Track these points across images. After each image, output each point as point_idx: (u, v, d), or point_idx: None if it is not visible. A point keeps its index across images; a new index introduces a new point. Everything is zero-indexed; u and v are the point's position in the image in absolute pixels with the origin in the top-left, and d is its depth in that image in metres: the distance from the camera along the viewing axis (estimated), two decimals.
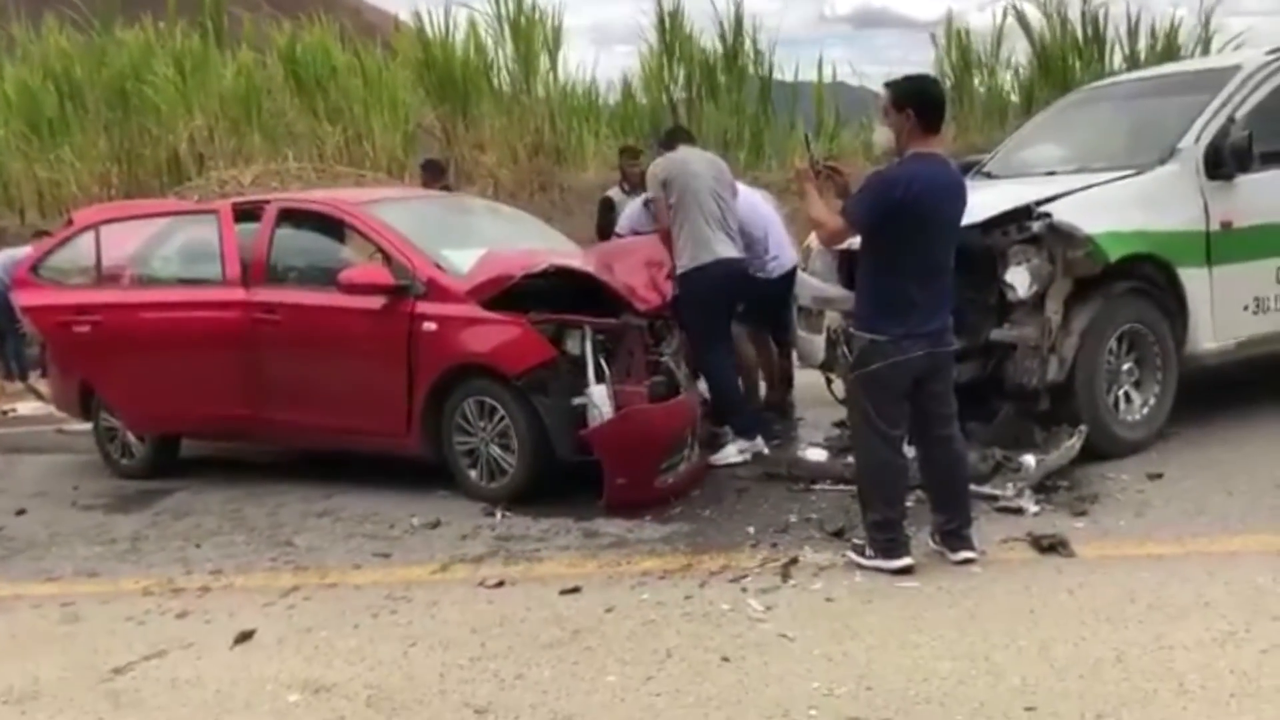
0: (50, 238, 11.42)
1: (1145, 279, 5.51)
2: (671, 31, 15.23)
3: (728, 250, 6.25)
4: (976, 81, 15.05)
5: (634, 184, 8.15)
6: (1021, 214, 5.35)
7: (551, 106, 14.80)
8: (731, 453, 6.20)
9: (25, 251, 11.41)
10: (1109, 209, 5.40)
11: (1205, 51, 13.86)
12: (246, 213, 6.61)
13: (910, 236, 4.00)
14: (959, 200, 4.14)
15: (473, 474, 5.78)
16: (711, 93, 15.15)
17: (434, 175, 9.60)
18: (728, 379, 6.42)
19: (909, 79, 4.19)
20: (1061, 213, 5.26)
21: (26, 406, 10.26)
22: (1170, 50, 13.94)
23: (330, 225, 6.59)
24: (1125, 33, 14.35)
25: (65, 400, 7.29)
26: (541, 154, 14.04)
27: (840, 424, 6.62)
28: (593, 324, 5.60)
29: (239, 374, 6.28)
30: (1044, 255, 5.30)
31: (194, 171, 14.66)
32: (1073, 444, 5.13)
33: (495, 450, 5.68)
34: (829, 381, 6.60)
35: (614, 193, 8.38)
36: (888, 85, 4.21)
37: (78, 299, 6.68)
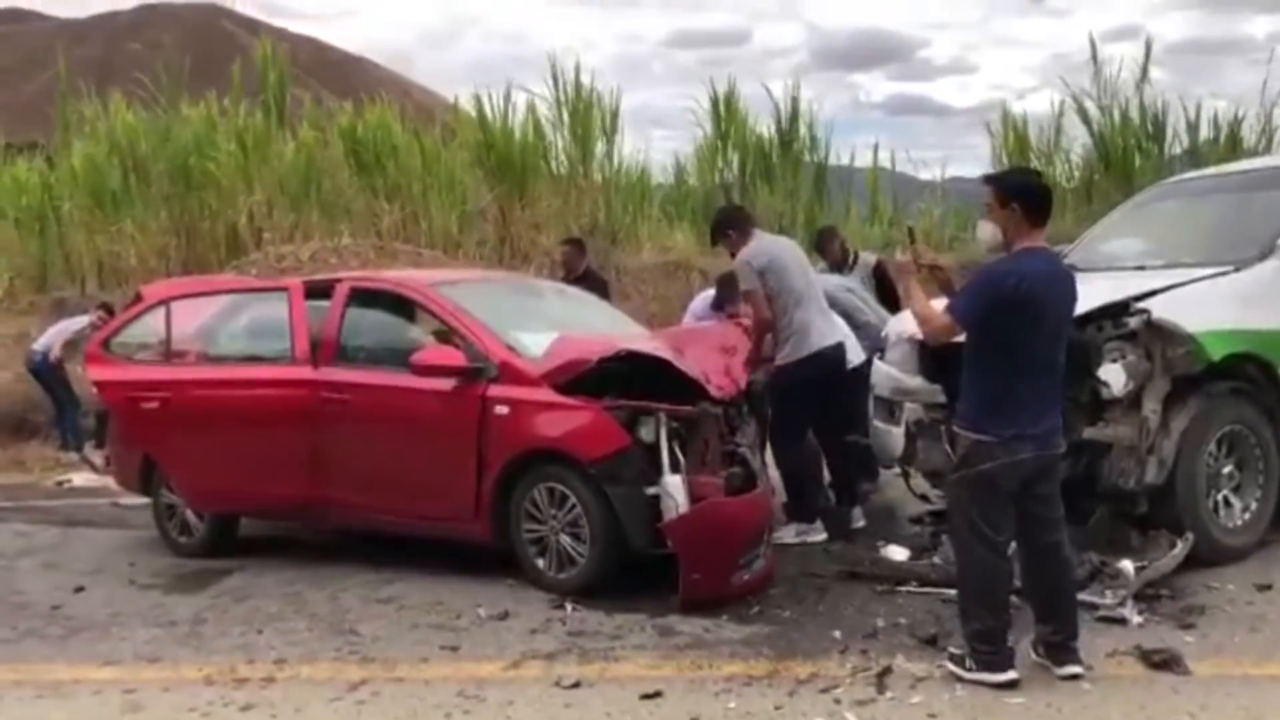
0: (104, 308, 11.67)
1: (1246, 379, 5.31)
2: (727, 116, 15.32)
3: (832, 335, 6.25)
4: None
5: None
6: (1118, 309, 5.19)
7: (607, 189, 14.88)
8: (789, 534, 6.22)
9: (83, 321, 11.57)
10: (1209, 306, 5.23)
11: (1268, 147, 13.71)
12: (317, 291, 6.57)
13: (1020, 333, 3.86)
14: (1070, 296, 4.00)
15: (541, 563, 5.62)
16: (766, 176, 15.17)
17: (580, 252, 9.17)
18: (801, 470, 6.35)
19: (1014, 173, 4.12)
20: (1160, 309, 5.10)
21: (81, 477, 10.23)
22: (1234, 144, 13.81)
23: (401, 305, 6.53)
24: (1185, 126, 14.30)
25: (126, 475, 7.22)
26: (596, 235, 14.07)
27: (918, 520, 6.45)
28: (668, 411, 5.47)
29: (305, 454, 6.18)
30: (1141, 352, 5.13)
31: (252, 246, 14.80)
32: (1178, 552, 4.90)
33: (565, 540, 5.53)
34: (906, 476, 6.42)
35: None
36: (990, 180, 4.11)
37: (147, 375, 6.64)
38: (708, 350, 6.21)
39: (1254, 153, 13.39)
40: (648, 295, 11.93)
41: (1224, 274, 5.49)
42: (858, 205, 16.29)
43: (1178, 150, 14.35)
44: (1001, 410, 3.90)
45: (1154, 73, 13.97)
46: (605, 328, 6.58)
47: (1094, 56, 14.65)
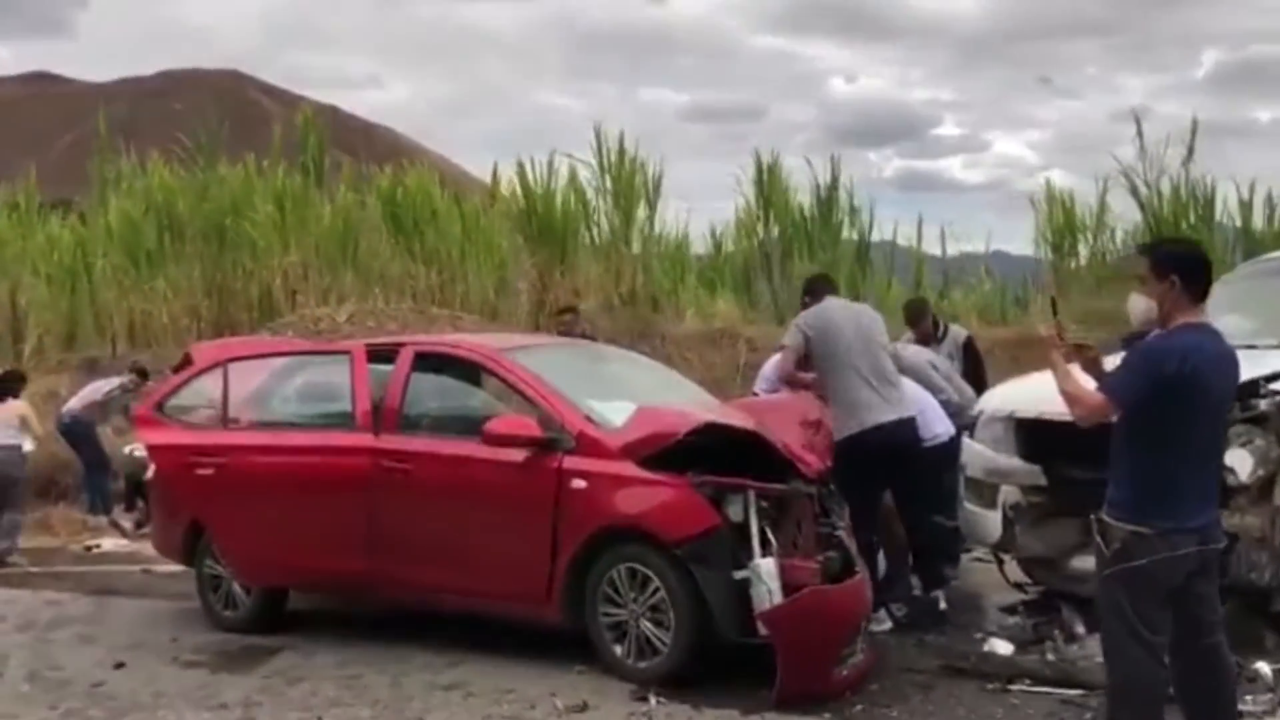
0: (137, 371, 11.42)
1: None
2: (769, 184, 15.17)
3: (884, 413, 5.83)
4: (1081, 248, 14.76)
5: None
6: (1246, 390, 4.86)
7: (647, 256, 14.71)
8: None
9: (114, 383, 11.31)
10: None
11: None
12: (380, 355, 6.29)
13: (1182, 415, 3.54)
14: (1234, 377, 3.69)
15: (619, 650, 5.25)
16: (808, 247, 14.97)
17: (578, 318, 9.21)
18: (870, 557, 5.97)
19: (1171, 243, 3.85)
20: None
21: (110, 542, 9.90)
22: None
23: (468, 371, 6.26)
24: (1237, 205, 14.09)
25: (168, 543, 6.87)
26: (637, 302, 13.87)
27: (1011, 610, 6.07)
28: (758, 489, 5.14)
29: (364, 526, 5.85)
30: (1271, 437, 4.81)
31: (286, 308, 14.64)
32: None
33: (647, 625, 5.16)
34: (1000, 562, 6.07)
35: None
36: (1145, 250, 3.83)
37: (201, 439, 6.33)
38: (788, 423, 5.86)
39: None
40: (693, 363, 11.62)
41: None
42: (898, 279, 16.09)
43: (1230, 230, 14.13)
44: (1161, 500, 3.56)
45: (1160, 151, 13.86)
46: (680, 397, 6.28)
47: (1139, 133, 14.52)
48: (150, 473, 9.48)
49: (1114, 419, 3.66)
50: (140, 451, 10.71)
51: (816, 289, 6.42)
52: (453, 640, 5.82)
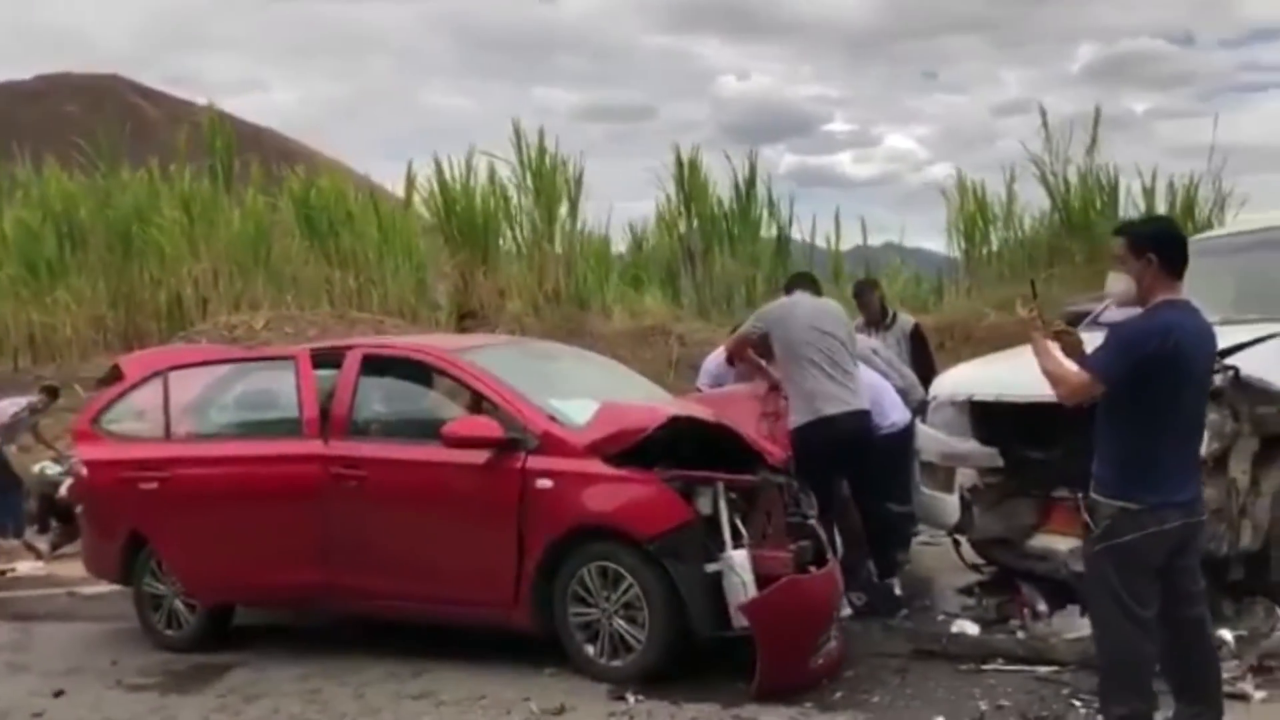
0: (47, 391, 10.92)
1: None
2: (690, 180, 15.17)
3: (837, 404, 5.85)
4: (993, 235, 15.11)
5: None
6: None
7: (571, 254, 14.59)
8: None
9: (21, 403, 10.78)
10: None
11: (1221, 212, 14.05)
12: (325, 359, 6.10)
13: (1165, 392, 3.60)
14: (1213, 350, 3.78)
15: (590, 650, 5.17)
16: (730, 243, 15.01)
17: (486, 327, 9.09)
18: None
19: (1147, 221, 3.90)
20: (1248, 365, 4.92)
21: (26, 566, 9.41)
22: (1190, 209, 14.12)
23: (418, 373, 6.10)
24: (1140, 190, 14.61)
25: (103, 563, 6.52)
26: (562, 301, 13.75)
27: (968, 591, 6.16)
28: (728, 481, 5.11)
29: (317, 536, 5.66)
30: (1226, 411, 4.94)
31: (197, 316, 14.17)
32: None
33: (620, 623, 5.09)
34: (957, 545, 6.15)
35: None
36: (1121, 230, 3.88)
37: (144, 453, 6.05)
38: (747, 416, 5.87)
39: (1208, 221, 13.71)
40: (625, 361, 11.54)
41: None
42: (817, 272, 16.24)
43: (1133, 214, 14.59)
44: (1147, 475, 3.63)
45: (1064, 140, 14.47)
46: (635, 393, 6.23)
47: (1044, 124, 14.96)
48: (65, 489, 9.18)
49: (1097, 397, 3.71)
50: (51, 470, 10.32)
51: (790, 285, 6.47)
52: (412, 648, 5.67)
